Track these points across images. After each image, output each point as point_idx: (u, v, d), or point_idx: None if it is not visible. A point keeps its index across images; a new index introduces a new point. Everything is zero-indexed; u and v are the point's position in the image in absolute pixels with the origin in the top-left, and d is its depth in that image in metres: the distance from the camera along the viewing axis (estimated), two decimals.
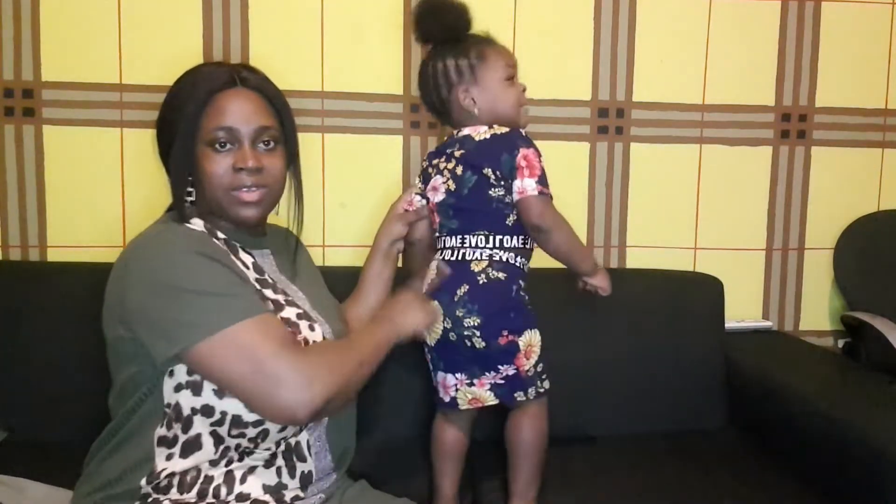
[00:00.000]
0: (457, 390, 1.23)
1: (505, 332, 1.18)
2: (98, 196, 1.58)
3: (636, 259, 1.74)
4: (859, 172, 1.78)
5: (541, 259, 1.66)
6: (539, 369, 1.24)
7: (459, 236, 1.22)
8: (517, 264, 1.22)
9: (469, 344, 1.18)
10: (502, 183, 1.19)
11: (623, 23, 1.68)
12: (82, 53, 1.55)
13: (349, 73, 1.61)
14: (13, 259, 1.58)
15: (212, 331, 0.89)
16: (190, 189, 1.03)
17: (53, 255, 1.59)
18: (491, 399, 1.22)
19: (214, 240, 1.01)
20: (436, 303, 1.19)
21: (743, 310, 1.76)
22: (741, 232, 1.77)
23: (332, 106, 1.62)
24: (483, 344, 1.18)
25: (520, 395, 1.22)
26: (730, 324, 1.66)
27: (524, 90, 1.28)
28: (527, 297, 1.24)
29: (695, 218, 1.75)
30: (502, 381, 1.21)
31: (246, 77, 1.03)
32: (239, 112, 1.00)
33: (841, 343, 1.78)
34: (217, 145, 0.99)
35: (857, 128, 1.76)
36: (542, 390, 1.25)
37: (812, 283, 1.79)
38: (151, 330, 0.91)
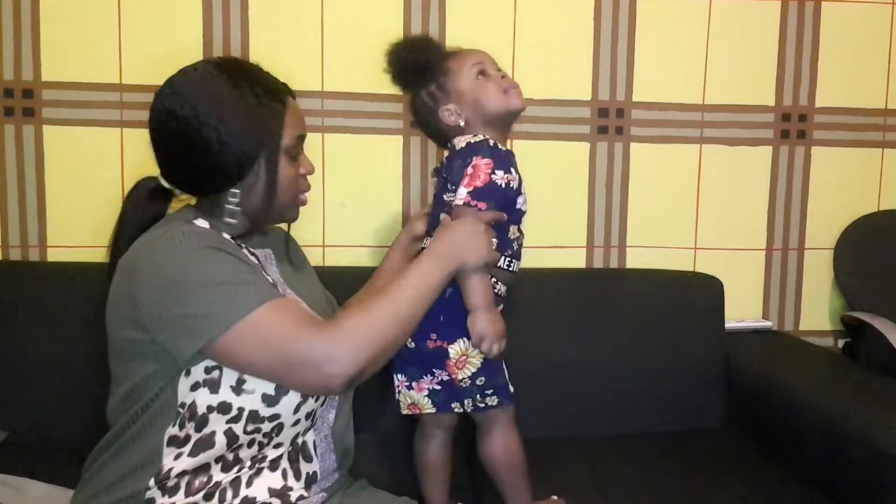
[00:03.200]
0: (398, 392, 1.21)
1: (433, 336, 1.14)
2: (98, 196, 1.58)
3: (636, 259, 1.73)
4: (859, 172, 1.78)
5: (541, 260, 1.66)
6: (479, 383, 1.17)
7: None
8: None
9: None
10: (454, 188, 1.17)
11: (623, 23, 1.68)
12: (82, 53, 1.55)
13: (349, 73, 1.61)
14: (13, 259, 1.58)
15: (232, 321, 0.89)
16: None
17: (53, 255, 1.58)
18: (428, 406, 1.19)
19: (222, 235, 1.01)
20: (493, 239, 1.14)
21: (743, 310, 1.76)
22: (741, 232, 1.77)
23: (332, 106, 1.62)
24: (412, 344, 1.16)
25: (456, 406, 1.18)
26: (730, 324, 1.66)
27: (504, 76, 1.23)
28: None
29: (695, 218, 1.75)
30: (439, 387, 1.18)
31: (285, 86, 1.08)
32: (303, 119, 1.08)
33: (841, 343, 1.78)
34: (293, 153, 1.04)
35: (857, 128, 1.76)
36: (482, 405, 1.18)
37: (812, 283, 1.79)
38: (171, 329, 0.91)
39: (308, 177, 1.10)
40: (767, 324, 1.77)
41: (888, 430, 1.19)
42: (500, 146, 1.19)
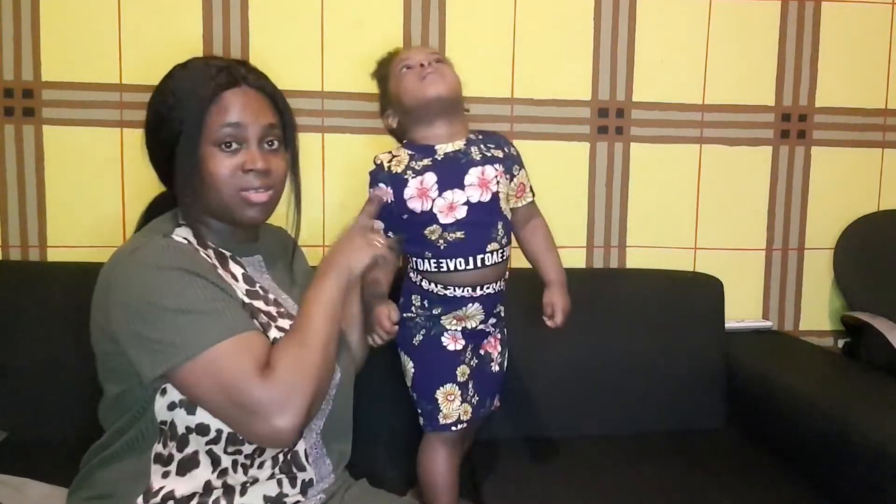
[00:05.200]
0: None
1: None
2: (98, 196, 1.58)
3: (636, 259, 1.73)
4: (859, 172, 1.78)
5: None
6: (415, 397, 1.22)
7: None
8: (411, 276, 1.24)
9: None
10: None
11: (623, 23, 1.68)
12: (82, 53, 1.55)
13: (350, 73, 1.61)
14: (13, 259, 1.58)
15: (191, 354, 0.86)
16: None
17: (53, 255, 1.59)
18: None
19: (201, 251, 0.97)
20: (378, 222, 1.16)
21: (743, 310, 1.76)
22: (741, 232, 1.77)
23: (332, 106, 1.62)
24: None
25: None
26: (730, 324, 1.66)
27: (423, 64, 1.19)
28: (418, 320, 1.21)
29: (695, 218, 1.75)
30: None
31: (246, 75, 1.00)
32: (246, 109, 0.97)
33: (841, 343, 1.78)
34: (223, 145, 0.96)
35: (857, 128, 1.76)
36: (421, 421, 1.21)
37: (812, 283, 1.79)
38: (137, 349, 0.89)
39: (257, 174, 0.97)
40: (767, 324, 1.77)
41: (888, 430, 1.19)
42: (380, 164, 1.20)
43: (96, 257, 1.53)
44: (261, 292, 1.01)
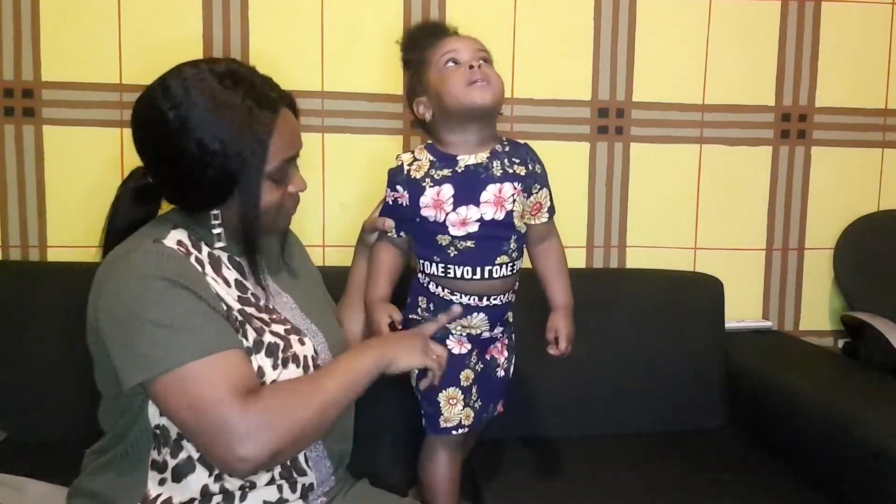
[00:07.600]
0: None
1: None
2: (98, 196, 1.57)
3: (636, 259, 1.73)
4: (859, 172, 1.78)
5: None
6: (419, 398, 1.20)
7: None
8: (419, 278, 1.21)
9: None
10: None
11: (623, 23, 1.68)
12: (82, 53, 1.55)
13: (349, 73, 1.61)
14: (13, 259, 1.58)
15: (164, 369, 0.86)
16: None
17: (53, 255, 1.59)
18: None
19: (194, 254, 0.95)
20: (442, 349, 1.11)
21: (743, 310, 1.76)
22: (741, 232, 1.77)
23: (332, 106, 1.62)
24: None
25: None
26: (730, 324, 1.66)
27: (472, 66, 1.12)
28: (425, 318, 1.19)
29: (695, 218, 1.75)
30: None
31: (280, 97, 0.97)
32: (295, 137, 1.00)
33: (841, 343, 1.78)
34: (277, 177, 0.96)
35: (857, 128, 1.77)
36: (423, 423, 1.19)
37: (812, 283, 1.79)
38: (118, 355, 0.89)
39: (299, 186, 1.03)
40: (767, 324, 1.77)
41: (888, 430, 1.19)
42: (401, 166, 1.18)
43: (96, 257, 1.53)
44: (252, 299, 1.00)
